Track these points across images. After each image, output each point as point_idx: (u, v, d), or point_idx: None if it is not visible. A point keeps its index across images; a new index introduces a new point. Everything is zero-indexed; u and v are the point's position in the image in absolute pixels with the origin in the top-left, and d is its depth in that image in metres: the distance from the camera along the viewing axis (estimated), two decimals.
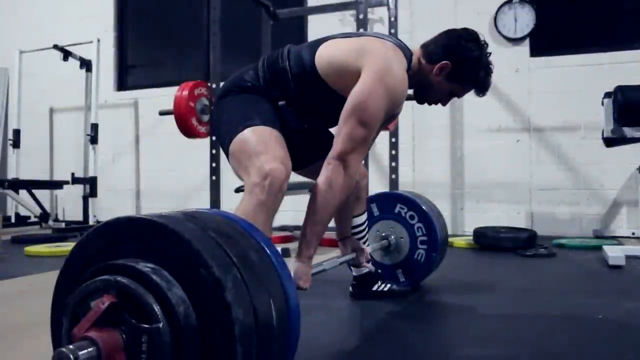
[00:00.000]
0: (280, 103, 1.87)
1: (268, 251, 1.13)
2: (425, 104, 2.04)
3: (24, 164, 6.18)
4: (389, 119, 2.06)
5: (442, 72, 1.89)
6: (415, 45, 2.00)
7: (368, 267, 2.36)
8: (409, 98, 2.17)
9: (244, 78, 1.90)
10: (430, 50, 1.91)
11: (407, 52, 1.88)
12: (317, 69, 1.81)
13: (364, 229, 2.37)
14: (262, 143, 1.73)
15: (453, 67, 1.87)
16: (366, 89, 1.69)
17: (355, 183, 1.76)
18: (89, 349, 0.92)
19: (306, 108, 1.89)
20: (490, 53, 1.92)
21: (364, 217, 2.37)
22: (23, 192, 5.57)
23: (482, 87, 1.93)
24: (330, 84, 1.81)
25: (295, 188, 3.39)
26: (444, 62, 1.87)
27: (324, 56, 1.82)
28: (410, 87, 1.90)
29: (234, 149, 1.78)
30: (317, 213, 1.69)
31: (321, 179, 1.69)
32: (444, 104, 2.01)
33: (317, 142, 2.06)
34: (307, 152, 2.08)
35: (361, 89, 1.70)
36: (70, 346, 0.91)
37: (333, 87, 1.81)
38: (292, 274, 1.42)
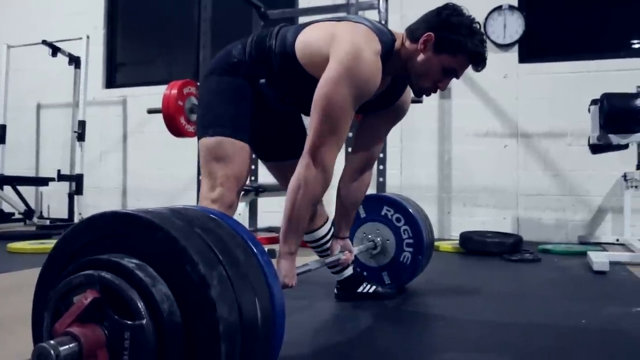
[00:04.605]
0: (261, 81, 1.86)
1: (254, 249, 1.13)
2: (424, 96, 1.89)
3: (9, 160, 6.10)
4: (393, 114, 2.06)
5: (427, 46, 1.74)
6: None
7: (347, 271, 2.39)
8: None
9: (232, 53, 1.89)
10: (412, 29, 1.81)
11: (385, 37, 1.78)
12: (295, 52, 1.79)
13: (326, 242, 2.31)
14: (222, 159, 1.80)
15: (437, 36, 1.73)
16: (330, 78, 1.65)
17: (331, 177, 1.73)
18: (70, 345, 0.91)
19: (287, 89, 1.87)
20: (476, 21, 1.77)
21: (325, 229, 2.31)
22: (8, 189, 5.51)
23: (474, 54, 1.73)
24: (307, 69, 1.78)
25: (276, 190, 3.38)
26: (426, 34, 1.74)
27: (301, 40, 1.79)
28: (395, 73, 1.85)
29: (201, 147, 1.87)
30: (291, 209, 1.70)
31: (294, 175, 1.70)
32: (442, 87, 1.82)
33: (292, 138, 2.05)
34: (278, 145, 2.09)
35: (325, 79, 1.66)
36: (51, 341, 0.90)
37: (310, 72, 1.76)
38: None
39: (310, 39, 1.79)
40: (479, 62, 1.76)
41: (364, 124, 2.10)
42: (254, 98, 1.86)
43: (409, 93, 2.05)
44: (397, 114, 2.08)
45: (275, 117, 2.00)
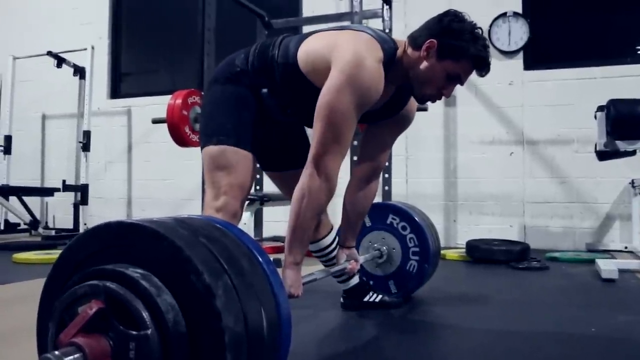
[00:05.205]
0: (263, 90, 1.85)
1: (260, 258, 1.12)
2: (429, 102, 1.88)
3: (15, 171, 6.11)
4: (399, 123, 2.06)
5: (429, 52, 1.73)
6: None
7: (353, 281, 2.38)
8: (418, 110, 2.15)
9: (235, 62, 1.89)
10: (414, 36, 1.81)
11: (388, 45, 1.78)
12: (298, 62, 1.79)
13: (330, 251, 2.30)
14: (226, 168, 1.80)
15: (439, 42, 1.72)
16: (332, 86, 1.65)
17: (335, 186, 1.72)
18: (75, 355, 0.90)
19: (289, 100, 1.87)
20: (478, 26, 1.76)
21: (330, 238, 2.29)
22: (13, 199, 5.52)
23: (477, 59, 1.73)
24: (309, 78, 1.77)
25: (281, 199, 3.37)
26: (428, 41, 1.73)
27: (304, 50, 1.79)
28: (399, 81, 1.84)
29: (204, 156, 1.87)
30: (296, 218, 1.69)
31: (298, 185, 1.69)
32: (447, 94, 1.80)
33: (294, 148, 2.05)
34: (281, 154, 2.09)
35: (327, 87, 1.66)
36: (56, 352, 0.89)
37: (312, 81, 1.76)
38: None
39: (312, 48, 1.79)
40: (483, 67, 1.76)
41: (369, 133, 2.09)
42: (256, 107, 1.86)
43: (414, 102, 2.04)
44: (403, 123, 2.07)
45: (278, 126, 1.99)
